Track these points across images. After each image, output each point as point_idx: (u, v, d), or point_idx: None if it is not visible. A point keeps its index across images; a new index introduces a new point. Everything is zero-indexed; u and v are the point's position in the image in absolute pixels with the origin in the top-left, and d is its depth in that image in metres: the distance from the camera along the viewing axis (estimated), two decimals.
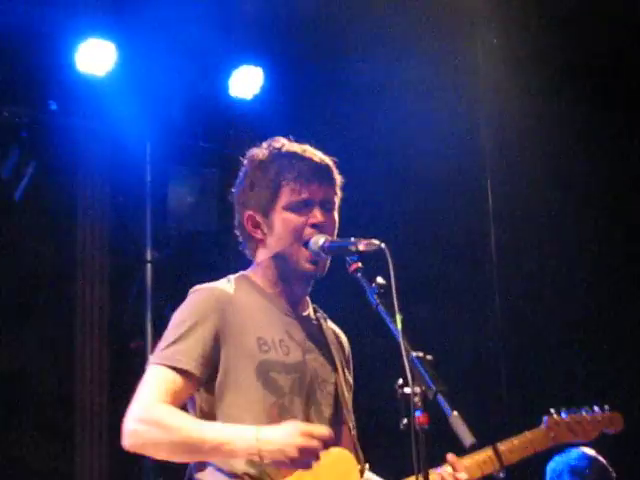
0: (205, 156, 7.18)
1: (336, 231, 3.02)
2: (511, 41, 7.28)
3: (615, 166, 7.36)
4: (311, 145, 3.08)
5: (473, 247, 7.58)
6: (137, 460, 6.12)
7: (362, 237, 2.82)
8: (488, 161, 7.49)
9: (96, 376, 6.71)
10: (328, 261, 2.99)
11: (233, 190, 3.12)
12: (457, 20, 7.20)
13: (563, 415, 3.60)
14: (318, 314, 3.16)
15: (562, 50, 7.15)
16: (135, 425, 2.73)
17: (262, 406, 2.85)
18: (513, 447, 3.44)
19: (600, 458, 4.95)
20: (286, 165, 2.99)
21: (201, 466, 2.85)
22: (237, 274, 3.08)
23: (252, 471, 2.78)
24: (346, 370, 3.15)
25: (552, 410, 3.59)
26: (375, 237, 2.79)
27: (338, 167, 3.07)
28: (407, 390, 2.47)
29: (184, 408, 2.85)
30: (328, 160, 3.05)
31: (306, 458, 2.65)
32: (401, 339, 2.55)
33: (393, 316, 2.59)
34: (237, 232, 3.11)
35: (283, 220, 2.97)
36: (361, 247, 2.79)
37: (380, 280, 2.69)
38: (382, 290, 2.68)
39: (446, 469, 3.12)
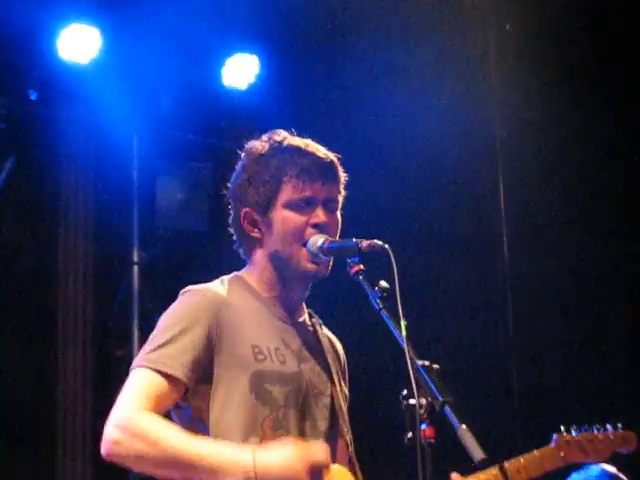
0: (196, 150, 7.19)
1: (339, 232, 3.03)
2: (526, 27, 7.28)
3: (635, 162, 7.37)
4: (311, 139, 3.08)
5: (483, 248, 7.59)
6: (122, 474, 6.12)
7: (364, 237, 2.82)
8: (500, 157, 7.51)
9: (79, 387, 6.71)
10: (331, 262, 2.99)
11: (229, 185, 3.12)
12: (467, 5, 7.22)
13: (574, 433, 3.61)
14: (313, 320, 3.17)
15: (579, 37, 7.16)
16: (117, 434, 2.69)
17: (255, 420, 2.85)
18: (521, 466, 3.45)
19: (622, 476, 4.95)
20: (288, 160, 2.99)
21: None
22: (231, 275, 3.08)
23: None
24: (342, 380, 3.16)
25: (562, 428, 3.60)
26: (378, 237, 2.80)
27: (341, 163, 3.07)
28: (412, 401, 2.48)
29: (167, 415, 2.83)
30: (332, 156, 3.06)
31: None
32: (405, 346, 2.55)
33: (397, 322, 2.59)
34: (232, 230, 3.11)
35: (283, 219, 2.97)
36: (363, 248, 2.79)
37: (383, 283, 2.70)
38: (385, 294, 2.68)
39: None
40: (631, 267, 7.35)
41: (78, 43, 6.39)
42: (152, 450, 2.67)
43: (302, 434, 2.92)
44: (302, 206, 2.97)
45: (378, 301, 2.69)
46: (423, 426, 2.45)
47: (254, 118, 6.77)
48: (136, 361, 2.84)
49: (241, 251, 3.12)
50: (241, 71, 6.99)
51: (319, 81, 7.14)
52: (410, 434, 2.47)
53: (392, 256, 2.67)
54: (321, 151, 3.04)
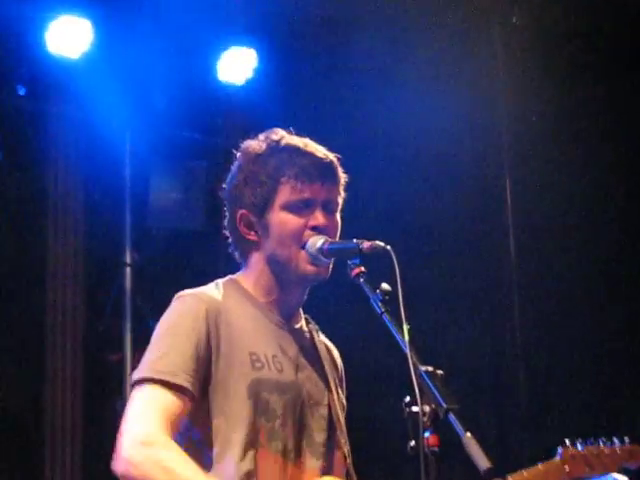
0: (191, 147, 7.20)
1: (338, 235, 3.04)
2: (533, 22, 7.29)
3: None
4: (310, 137, 3.09)
5: (489, 249, 7.60)
6: None
7: (365, 238, 2.83)
8: (506, 155, 7.51)
9: (68, 394, 6.71)
10: (331, 264, 2.99)
11: (224, 185, 3.12)
12: (473, 1, 7.22)
13: (579, 447, 3.61)
14: (310, 326, 3.17)
15: (588, 33, 7.17)
16: (135, 453, 2.69)
17: (251, 431, 2.86)
18: None
19: None
20: (286, 160, 3.00)
21: None
22: (225, 279, 3.09)
23: None
24: (339, 389, 3.16)
25: (567, 441, 3.60)
26: (380, 238, 2.81)
27: (342, 163, 3.08)
28: (415, 408, 2.48)
29: None
30: (332, 156, 3.06)
31: None
32: (408, 351, 2.55)
33: (400, 326, 2.60)
34: (227, 232, 3.12)
35: (280, 221, 2.98)
36: (364, 249, 2.79)
37: (385, 286, 2.70)
38: (387, 297, 2.69)
39: None
40: None
41: (68, 36, 6.39)
42: (165, 479, 2.67)
43: (298, 445, 2.94)
44: (301, 208, 2.97)
45: (380, 304, 2.69)
46: (426, 434, 2.45)
47: (252, 115, 6.78)
48: (141, 372, 2.83)
49: (236, 254, 3.12)
50: (238, 66, 6.99)
51: (321, 77, 7.13)
52: (413, 442, 2.47)
53: (394, 257, 2.67)
54: (320, 151, 3.04)
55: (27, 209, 6.76)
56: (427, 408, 2.46)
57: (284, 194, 2.98)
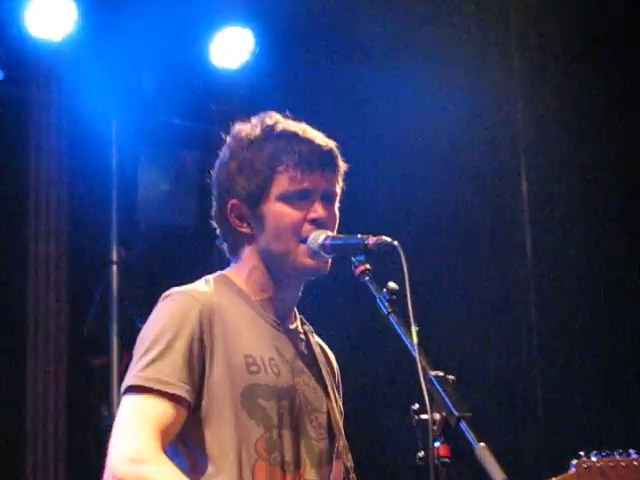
0: (182, 136, 7.21)
1: (336, 228, 3.04)
2: (549, 9, 7.28)
3: None
4: (312, 125, 3.08)
5: (505, 248, 7.60)
6: None
7: (371, 233, 2.82)
8: (522, 148, 7.51)
9: (51, 401, 6.71)
10: (330, 260, 3.00)
11: (213, 173, 3.12)
12: None
13: (594, 458, 3.64)
14: (305, 327, 3.18)
15: (606, 21, 7.16)
16: (125, 471, 2.68)
17: (248, 440, 2.86)
18: None
19: None
20: (283, 147, 2.99)
21: None
22: (216, 274, 3.08)
23: None
24: (337, 395, 3.17)
25: (582, 453, 3.63)
26: (386, 233, 2.81)
27: (346, 153, 3.08)
28: (424, 416, 2.48)
29: None
30: (332, 143, 3.06)
31: None
32: (417, 355, 2.55)
33: (408, 327, 2.60)
34: (215, 223, 3.11)
35: (277, 213, 2.97)
36: (370, 245, 2.79)
37: (392, 285, 2.70)
38: (395, 296, 2.69)
39: None
40: None
41: (51, 17, 6.38)
42: None
43: (297, 456, 2.94)
44: (299, 199, 2.97)
45: (386, 304, 2.69)
46: (437, 444, 2.45)
47: (248, 102, 6.78)
48: (131, 380, 2.81)
49: (225, 246, 3.12)
50: (232, 48, 6.98)
51: (324, 60, 7.12)
52: (422, 453, 2.47)
53: (402, 254, 2.66)
54: (320, 137, 3.04)
55: (5, 203, 6.76)
56: (437, 416, 2.47)
57: (281, 184, 2.98)
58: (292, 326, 3.11)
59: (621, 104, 7.21)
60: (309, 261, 2.96)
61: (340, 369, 3.27)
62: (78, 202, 7.01)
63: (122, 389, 2.83)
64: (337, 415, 3.08)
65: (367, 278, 2.77)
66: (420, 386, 2.49)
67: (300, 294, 3.11)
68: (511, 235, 7.56)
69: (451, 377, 2.53)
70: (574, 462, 3.62)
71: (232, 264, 3.10)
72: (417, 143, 7.16)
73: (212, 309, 2.92)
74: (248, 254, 3.05)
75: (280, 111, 3.12)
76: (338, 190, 3.06)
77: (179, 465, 2.78)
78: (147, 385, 2.78)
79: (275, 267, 3.02)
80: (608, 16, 7.14)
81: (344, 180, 3.09)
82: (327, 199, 3.02)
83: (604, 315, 7.27)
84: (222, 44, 6.96)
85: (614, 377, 7.19)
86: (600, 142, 7.27)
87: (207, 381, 2.87)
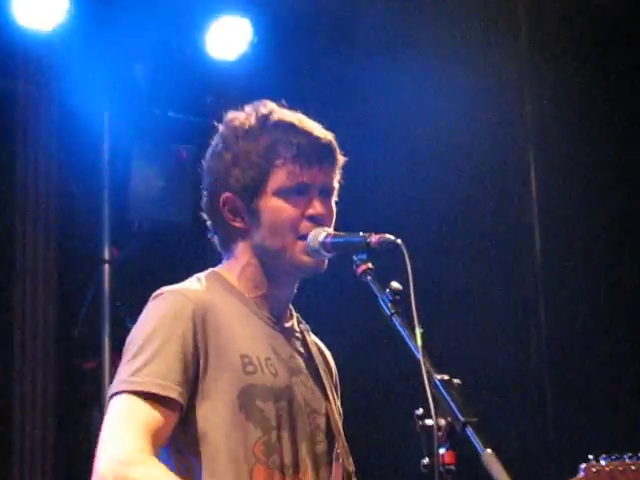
0: (177, 130, 7.20)
1: (333, 224, 3.04)
2: (560, 4, 7.28)
3: None
4: (312, 118, 3.08)
5: (513, 248, 7.60)
6: None
7: (373, 231, 2.82)
8: (531, 146, 7.51)
9: (39, 405, 6.71)
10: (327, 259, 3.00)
11: (204, 162, 3.12)
12: None
13: (603, 462, 3.66)
14: (302, 325, 3.18)
15: (617, 15, 7.17)
16: (113, 473, 2.66)
17: (246, 443, 2.86)
18: None
19: None
20: (280, 139, 2.99)
21: None
22: (207, 272, 3.08)
23: None
24: (335, 395, 3.17)
25: (590, 457, 3.64)
26: (390, 231, 2.80)
27: (348, 148, 3.08)
28: (429, 422, 2.48)
29: None
30: (330, 135, 3.06)
31: None
32: (421, 358, 2.55)
33: (412, 329, 2.60)
34: (206, 216, 3.11)
35: (274, 209, 2.97)
36: (372, 243, 2.79)
37: (396, 285, 2.70)
38: (398, 297, 2.68)
39: None
40: None
41: (40, 7, 6.37)
42: None
43: (296, 459, 2.94)
44: (296, 194, 2.97)
45: (389, 305, 2.68)
46: (442, 450, 2.45)
47: (245, 94, 6.72)
48: (120, 384, 2.80)
49: (216, 241, 3.11)
50: (229, 38, 6.98)
51: (325, 51, 7.11)
52: (427, 460, 2.47)
53: (406, 253, 2.66)
54: (317, 128, 3.04)
55: None
56: (442, 421, 2.46)
57: (278, 178, 2.97)
58: (288, 324, 3.11)
59: (637, 100, 7.22)
60: (306, 259, 2.96)
61: (341, 372, 3.28)
62: (68, 199, 7.01)
63: (111, 391, 2.82)
64: (336, 416, 3.08)
65: (369, 278, 2.76)
66: (424, 390, 2.49)
67: (295, 291, 3.10)
68: (519, 235, 7.56)
69: (457, 381, 2.52)
70: (583, 466, 3.63)
71: (224, 260, 3.10)
72: (422, 139, 7.16)
73: (205, 307, 2.91)
74: (241, 250, 3.05)
75: (278, 102, 3.11)
76: (336, 184, 3.06)
77: (172, 471, 2.76)
78: (137, 389, 2.77)
79: (270, 263, 3.01)
80: (616, 16, 7.15)
81: (343, 174, 3.08)
82: (325, 193, 3.02)
83: (615, 316, 7.28)
84: (219, 34, 6.97)
85: (625, 379, 7.20)
86: (611, 142, 7.28)
87: (201, 382, 2.86)
